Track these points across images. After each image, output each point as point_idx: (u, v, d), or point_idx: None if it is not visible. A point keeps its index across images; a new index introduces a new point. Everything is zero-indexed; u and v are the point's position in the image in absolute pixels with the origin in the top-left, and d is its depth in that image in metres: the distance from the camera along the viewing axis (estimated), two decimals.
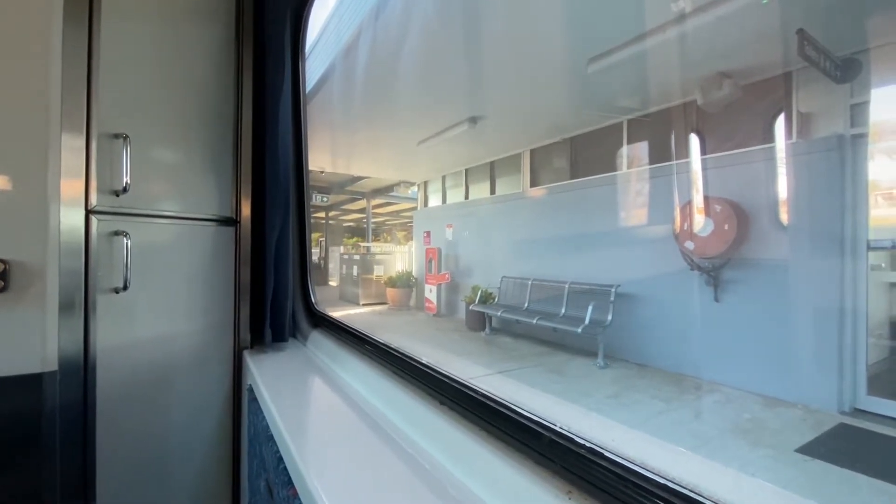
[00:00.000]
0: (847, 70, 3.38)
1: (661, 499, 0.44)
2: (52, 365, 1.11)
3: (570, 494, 0.52)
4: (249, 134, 1.52)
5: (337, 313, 1.55)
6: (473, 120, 5.83)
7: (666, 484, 0.44)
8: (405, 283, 9.02)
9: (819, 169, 3.45)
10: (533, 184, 6.95)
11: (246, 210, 1.52)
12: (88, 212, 1.20)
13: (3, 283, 1.04)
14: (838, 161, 3.36)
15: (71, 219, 1.15)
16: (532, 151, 6.97)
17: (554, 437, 0.56)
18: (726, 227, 3.90)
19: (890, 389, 3.19)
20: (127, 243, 1.25)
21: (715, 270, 4.03)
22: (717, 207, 3.99)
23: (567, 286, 5.55)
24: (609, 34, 3.71)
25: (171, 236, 1.38)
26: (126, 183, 1.25)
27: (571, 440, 0.54)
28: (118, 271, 1.25)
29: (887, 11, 3.16)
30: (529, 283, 6.18)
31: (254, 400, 1.22)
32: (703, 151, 4.35)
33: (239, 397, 1.48)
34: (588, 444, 0.53)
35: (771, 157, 3.89)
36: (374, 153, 8.16)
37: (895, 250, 3.38)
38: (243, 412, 1.44)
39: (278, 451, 0.86)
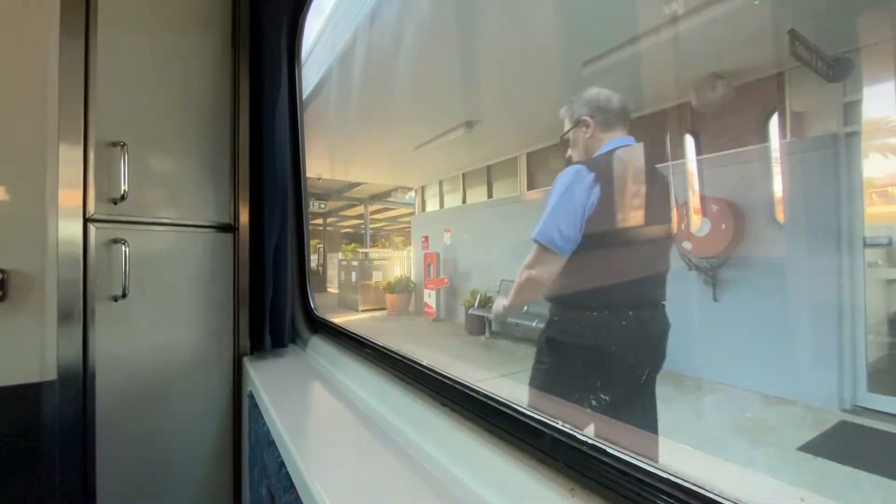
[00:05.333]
0: (839, 69, 3.41)
1: (664, 493, 0.44)
2: (52, 374, 1.11)
3: (573, 492, 0.52)
4: (247, 140, 1.52)
5: (336, 320, 1.55)
6: (469, 124, 5.85)
7: (668, 478, 0.44)
8: (404, 288, 9.01)
9: (814, 167, 3.47)
10: (530, 187, 6.97)
11: (244, 216, 1.52)
12: (87, 220, 1.20)
13: (1, 293, 1.04)
14: (832, 159, 3.38)
15: (69, 227, 1.15)
16: (528, 155, 6.99)
17: (555, 435, 0.56)
18: (723, 226, 3.91)
19: (890, 386, 3.20)
20: (125, 251, 1.25)
21: (713, 270, 4.04)
22: (714, 207, 4.00)
23: None
24: (603, 37, 3.74)
25: (169, 243, 1.38)
26: (124, 191, 1.25)
27: (573, 437, 0.54)
28: (117, 279, 1.25)
29: (877, 10, 3.20)
30: None
31: (254, 406, 1.21)
32: (699, 152, 4.37)
33: (239, 404, 1.48)
34: (590, 441, 0.53)
35: (766, 156, 3.91)
36: (371, 159, 8.18)
37: (892, 247, 3.39)
38: (244, 419, 1.44)
39: (280, 456, 0.86)
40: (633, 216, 1.28)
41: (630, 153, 1.35)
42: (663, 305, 1.33)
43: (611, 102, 1.40)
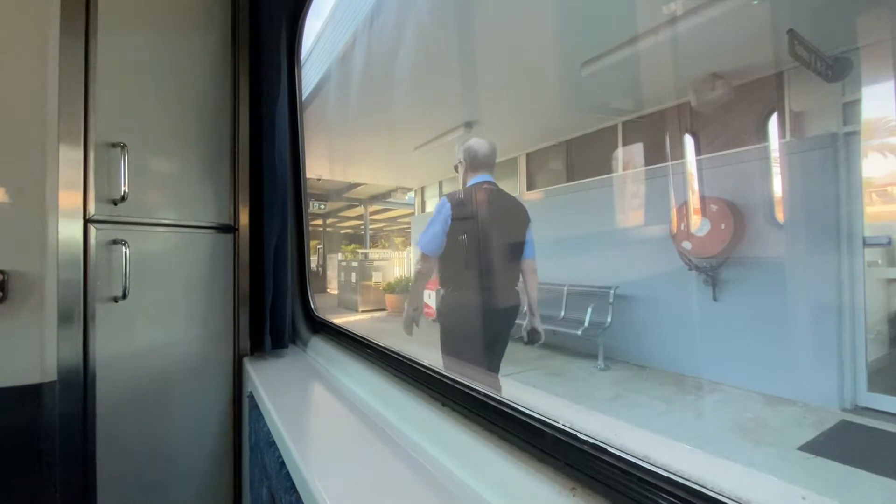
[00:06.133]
0: (838, 69, 3.42)
1: (665, 492, 0.44)
2: (52, 375, 1.11)
3: (574, 491, 0.52)
4: (247, 141, 1.52)
5: (336, 320, 1.55)
6: (469, 125, 5.85)
7: (670, 477, 0.44)
8: (404, 288, 9.00)
9: (813, 167, 3.48)
10: (529, 187, 6.97)
11: (244, 217, 1.53)
12: (87, 221, 1.20)
13: (1, 294, 1.04)
14: (832, 159, 3.39)
15: (69, 228, 1.15)
16: (528, 155, 6.99)
17: (556, 434, 0.56)
18: (723, 226, 3.92)
19: (891, 386, 3.20)
20: (126, 252, 1.25)
21: (713, 270, 4.04)
22: (714, 207, 4.01)
23: (566, 288, 5.55)
24: (602, 37, 3.74)
25: (169, 244, 1.38)
26: (124, 192, 1.25)
27: (574, 436, 0.54)
28: (117, 280, 1.25)
29: (876, 9, 3.20)
30: None
31: (255, 407, 1.21)
32: (698, 152, 4.38)
33: (239, 405, 1.48)
34: (591, 440, 0.53)
35: (765, 156, 3.92)
36: (371, 160, 8.18)
37: (891, 246, 3.39)
38: (244, 420, 1.44)
39: (280, 457, 0.86)
40: (477, 231, 1.98)
41: (482, 189, 2.02)
42: (515, 291, 2.07)
43: (478, 152, 2.05)
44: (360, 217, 14.45)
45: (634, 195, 4.98)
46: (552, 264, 5.95)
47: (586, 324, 4.82)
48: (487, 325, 2.00)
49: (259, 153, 1.51)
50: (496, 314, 2.02)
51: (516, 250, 2.02)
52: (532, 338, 2.11)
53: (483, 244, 1.98)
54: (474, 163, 2.06)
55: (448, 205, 1.97)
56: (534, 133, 6.42)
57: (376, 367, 1.05)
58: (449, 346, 2.03)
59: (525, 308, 2.16)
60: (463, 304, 2.00)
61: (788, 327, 3.55)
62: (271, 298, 1.48)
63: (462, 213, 1.96)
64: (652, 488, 0.45)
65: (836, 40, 3.35)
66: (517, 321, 2.13)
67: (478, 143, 2.08)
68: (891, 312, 3.48)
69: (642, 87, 4.59)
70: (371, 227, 14.62)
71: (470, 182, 2.05)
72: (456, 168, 2.13)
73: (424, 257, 2.01)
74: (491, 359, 2.04)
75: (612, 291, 4.89)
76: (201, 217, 1.44)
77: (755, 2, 3.14)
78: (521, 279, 2.11)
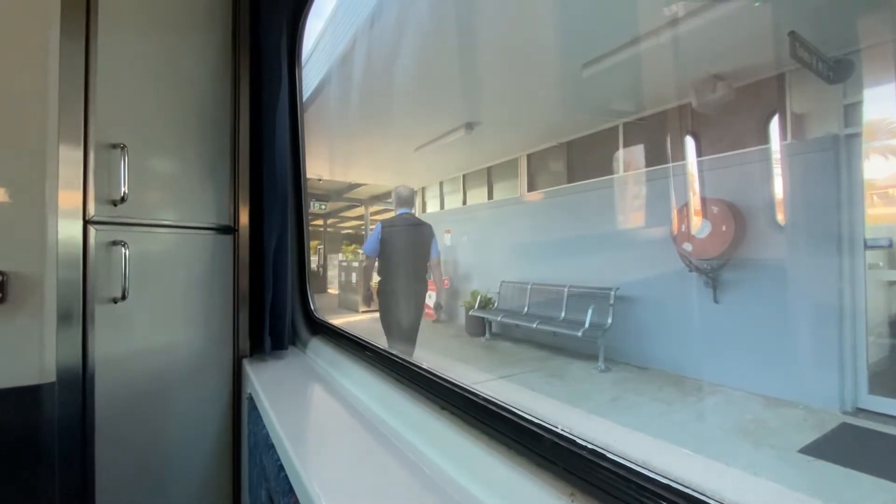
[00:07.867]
0: (839, 71, 3.41)
1: (664, 499, 0.44)
2: (51, 376, 1.11)
3: (573, 497, 0.51)
4: (247, 142, 1.52)
5: (336, 321, 1.55)
6: (470, 126, 5.85)
7: (669, 484, 0.44)
8: None
9: (814, 169, 3.47)
10: (530, 188, 6.97)
11: (244, 218, 1.52)
12: (86, 222, 1.20)
13: (1, 295, 1.04)
14: (833, 161, 3.38)
15: (69, 229, 1.15)
16: (529, 156, 6.99)
17: (555, 440, 0.56)
18: (724, 228, 3.91)
19: (891, 388, 3.19)
20: (125, 253, 1.25)
21: (713, 271, 4.04)
22: (714, 209, 4.00)
23: (566, 290, 5.55)
24: (603, 39, 3.74)
25: (169, 245, 1.38)
26: (124, 193, 1.25)
27: (573, 442, 0.54)
28: (116, 281, 1.25)
29: (878, 12, 3.20)
30: (529, 287, 6.18)
31: (254, 409, 1.21)
32: (699, 153, 4.37)
33: (239, 406, 1.47)
34: (590, 446, 0.52)
35: (766, 157, 3.91)
36: (372, 160, 8.18)
37: (892, 249, 3.38)
38: (243, 421, 1.44)
39: (279, 460, 0.86)
40: (399, 243, 3.29)
41: (403, 217, 3.39)
42: (424, 281, 3.39)
43: (402, 195, 3.44)
44: (360, 217, 14.43)
45: (635, 196, 4.98)
46: (553, 265, 5.94)
47: (587, 325, 4.82)
48: (407, 295, 3.34)
49: (259, 154, 1.51)
50: (412, 289, 3.37)
51: (425, 252, 3.31)
52: (437, 308, 3.46)
53: (403, 249, 3.28)
54: (399, 201, 3.44)
55: (380, 225, 3.28)
56: (534, 134, 6.41)
57: (376, 370, 1.05)
58: (383, 306, 3.35)
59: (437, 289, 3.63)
60: (393, 284, 3.31)
61: (789, 329, 3.54)
62: (271, 299, 1.48)
63: (389, 230, 3.29)
64: (651, 495, 0.45)
65: (838, 42, 3.35)
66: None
67: (403, 188, 3.47)
68: (892, 315, 3.47)
69: (643, 89, 4.59)
70: (372, 227, 14.61)
71: (398, 213, 3.40)
72: (390, 202, 3.60)
73: (367, 258, 3.31)
74: (411, 316, 3.34)
75: (612, 293, 4.89)
76: (201, 218, 1.44)
77: (756, 3, 3.14)
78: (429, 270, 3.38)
